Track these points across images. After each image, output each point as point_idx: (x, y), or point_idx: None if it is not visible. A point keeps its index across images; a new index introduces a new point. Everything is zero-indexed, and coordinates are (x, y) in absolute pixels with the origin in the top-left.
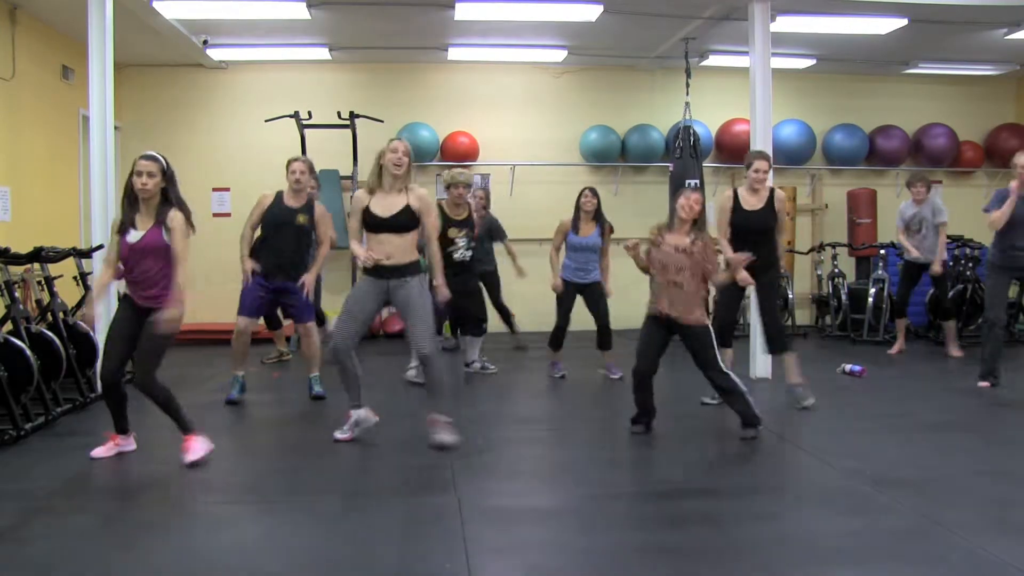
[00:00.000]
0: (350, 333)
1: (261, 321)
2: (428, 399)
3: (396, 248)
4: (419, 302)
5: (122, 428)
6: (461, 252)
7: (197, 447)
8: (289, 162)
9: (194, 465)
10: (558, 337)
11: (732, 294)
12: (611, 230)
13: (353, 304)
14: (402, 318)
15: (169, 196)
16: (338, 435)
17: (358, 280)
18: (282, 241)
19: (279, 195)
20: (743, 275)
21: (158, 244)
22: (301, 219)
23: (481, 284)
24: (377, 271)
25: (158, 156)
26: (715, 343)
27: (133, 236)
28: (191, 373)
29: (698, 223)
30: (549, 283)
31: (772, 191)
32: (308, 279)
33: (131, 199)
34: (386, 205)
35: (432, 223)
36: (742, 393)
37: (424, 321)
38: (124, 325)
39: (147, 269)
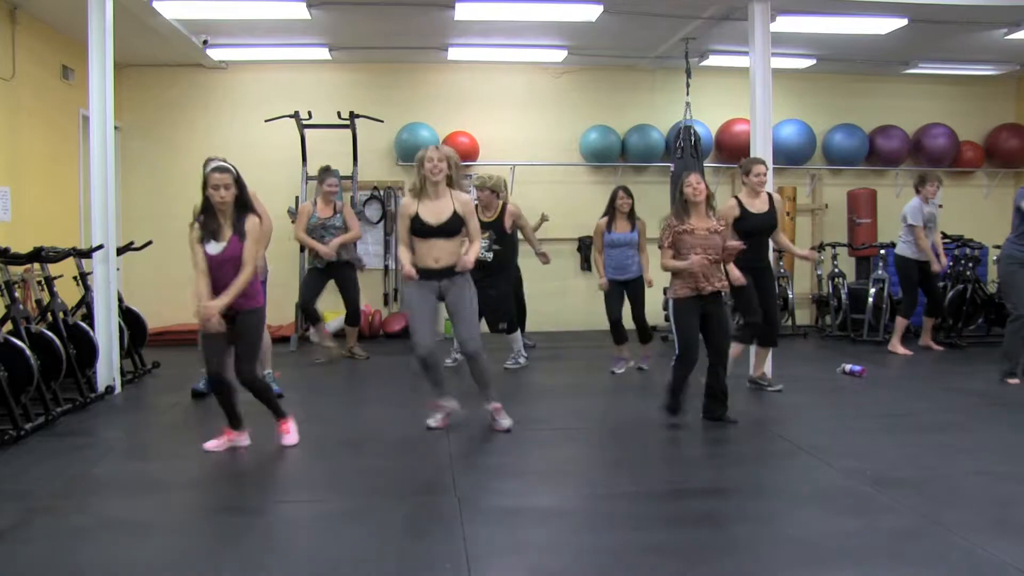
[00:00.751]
0: (428, 336)
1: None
2: (480, 391)
3: (444, 252)
4: (466, 303)
5: (236, 423)
6: (482, 253)
7: (292, 430)
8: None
9: (291, 447)
10: (617, 331)
11: (749, 292)
12: (643, 226)
13: (418, 309)
14: (450, 316)
15: (243, 202)
16: (431, 423)
17: (407, 288)
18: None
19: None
20: (736, 274)
21: (239, 254)
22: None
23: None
24: (427, 274)
25: (229, 166)
26: None
27: (214, 248)
28: (194, 373)
29: (709, 202)
30: (597, 283)
31: (770, 194)
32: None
33: (208, 212)
34: (435, 212)
35: (474, 227)
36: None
37: (468, 321)
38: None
39: (233, 275)
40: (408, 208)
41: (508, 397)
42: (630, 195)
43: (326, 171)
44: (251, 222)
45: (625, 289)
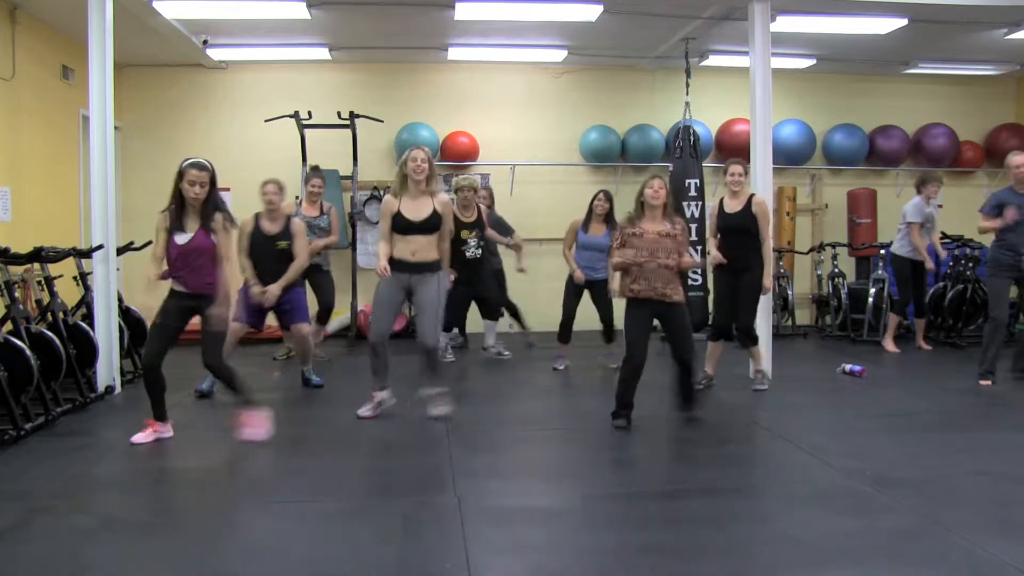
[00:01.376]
0: (384, 325)
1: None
2: (428, 379)
3: (421, 246)
4: (433, 299)
5: (160, 415)
6: (472, 251)
7: (256, 423)
8: (262, 184)
9: (248, 441)
10: (566, 330)
11: (727, 295)
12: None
13: (383, 300)
14: (415, 310)
15: (213, 200)
16: (362, 412)
17: (381, 282)
18: (264, 266)
19: (256, 218)
20: (715, 254)
21: (205, 244)
22: (282, 245)
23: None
24: (401, 266)
25: (207, 164)
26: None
27: (182, 238)
28: (198, 373)
29: (667, 208)
30: (568, 276)
31: (751, 196)
32: (273, 289)
33: (179, 204)
34: (415, 209)
35: (449, 226)
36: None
37: (431, 316)
38: (172, 316)
39: (201, 264)
40: (390, 206)
41: (508, 397)
42: (609, 199)
43: (314, 171)
44: (219, 220)
45: (589, 290)
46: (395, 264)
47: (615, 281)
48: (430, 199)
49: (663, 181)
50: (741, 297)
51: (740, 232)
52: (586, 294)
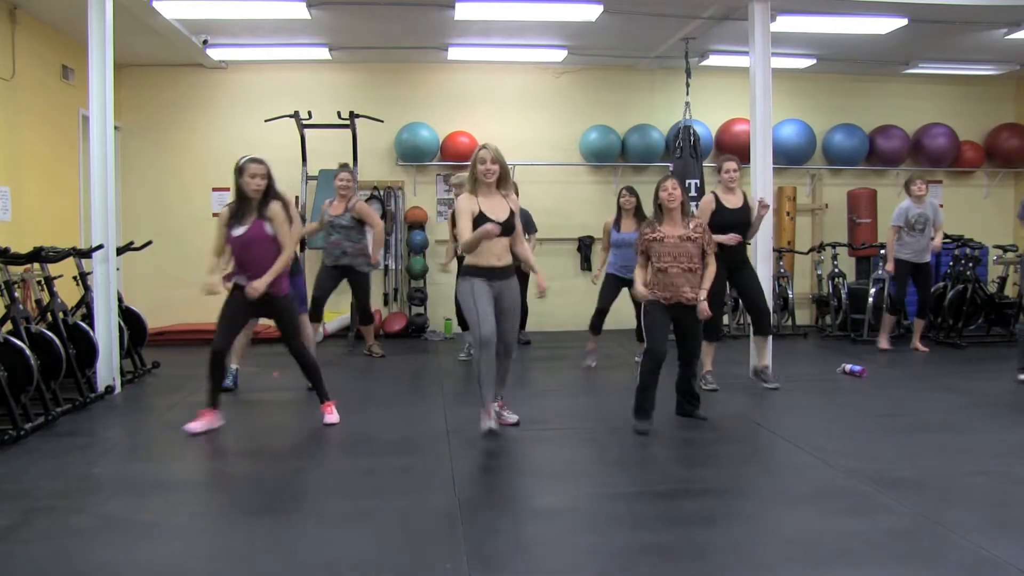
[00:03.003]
0: (493, 329)
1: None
2: (498, 384)
3: (503, 250)
4: (517, 304)
5: (215, 403)
6: None
7: (333, 413)
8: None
9: (329, 425)
10: (598, 322)
11: (717, 289)
12: None
13: (483, 304)
14: (500, 314)
15: (269, 193)
16: (488, 425)
17: (466, 282)
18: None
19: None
20: (724, 237)
21: (261, 235)
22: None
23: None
24: (488, 273)
25: (263, 160)
26: None
27: (238, 230)
28: (198, 373)
29: (685, 208)
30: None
31: (744, 192)
32: (257, 285)
33: (241, 198)
34: (494, 210)
35: (520, 228)
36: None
37: (515, 321)
38: (235, 307)
39: (256, 255)
40: (471, 203)
41: (508, 397)
42: (634, 193)
43: (342, 167)
44: (274, 208)
45: (628, 288)
46: (482, 271)
47: (639, 284)
48: (505, 200)
49: (676, 181)
50: (753, 286)
51: (743, 227)
52: (623, 292)
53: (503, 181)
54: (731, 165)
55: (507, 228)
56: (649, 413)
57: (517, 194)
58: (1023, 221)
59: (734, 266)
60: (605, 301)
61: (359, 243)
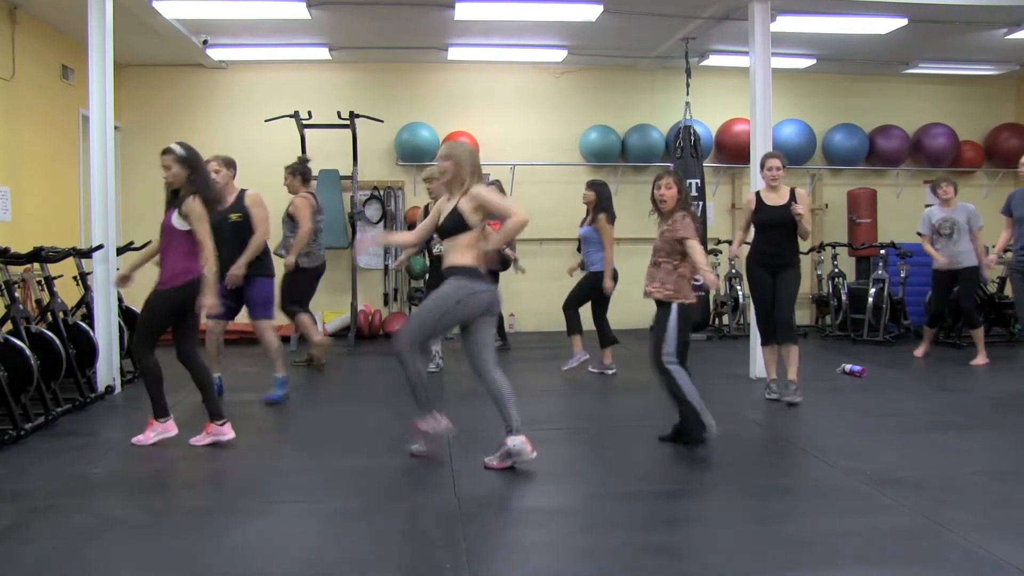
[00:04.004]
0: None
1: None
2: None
3: (449, 250)
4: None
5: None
6: (438, 247)
7: (149, 433)
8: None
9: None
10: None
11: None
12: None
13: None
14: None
15: (192, 184)
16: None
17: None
18: (220, 244)
19: None
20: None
21: (169, 225)
22: (234, 217)
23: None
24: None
25: (174, 148)
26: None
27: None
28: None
29: (677, 205)
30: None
31: (793, 190)
32: (233, 272)
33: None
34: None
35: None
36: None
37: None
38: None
39: (164, 244)
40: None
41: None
42: (590, 187)
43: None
44: (188, 204)
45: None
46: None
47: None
48: (452, 201)
49: (671, 179)
50: (781, 294)
51: (784, 225)
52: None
53: (454, 182)
54: (774, 162)
55: (440, 230)
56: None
57: (502, 190)
58: (1006, 216)
59: (776, 269)
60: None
61: (289, 240)
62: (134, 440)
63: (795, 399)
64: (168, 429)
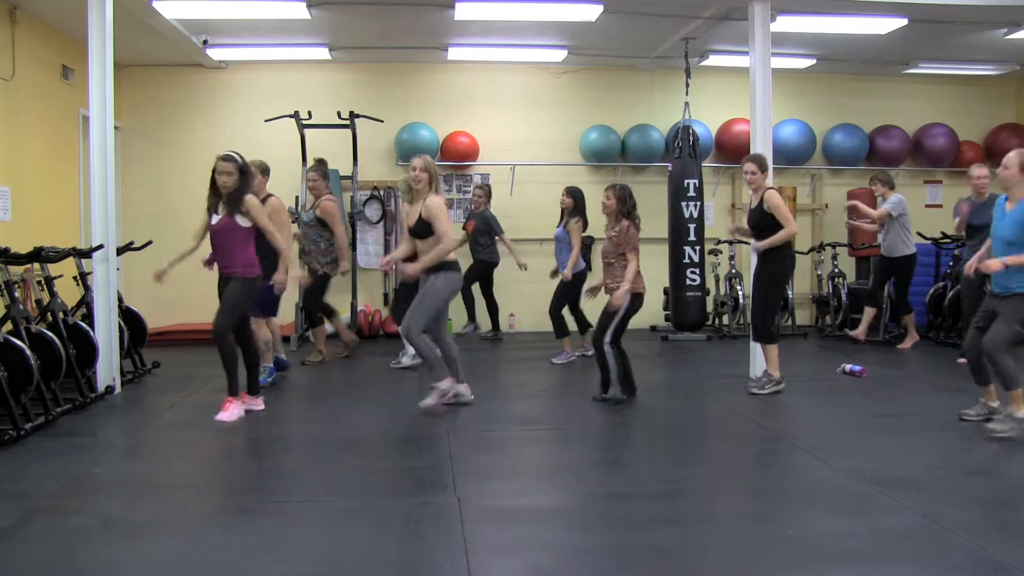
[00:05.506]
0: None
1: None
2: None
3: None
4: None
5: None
6: None
7: (232, 410)
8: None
9: (221, 424)
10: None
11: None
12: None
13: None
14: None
15: (242, 188)
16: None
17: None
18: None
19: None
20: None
21: (229, 228)
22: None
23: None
24: None
25: (235, 156)
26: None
27: (213, 219)
28: (198, 373)
29: (617, 214)
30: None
31: (765, 193)
32: (278, 278)
33: (214, 190)
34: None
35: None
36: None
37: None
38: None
39: (223, 244)
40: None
41: (508, 397)
42: (567, 194)
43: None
44: (247, 202)
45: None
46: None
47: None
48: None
49: (611, 192)
50: (756, 290)
51: (755, 228)
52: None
53: (423, 190)
54: (749, 167)
55: (413, 233)
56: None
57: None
58: (956, 219)
59: (757, 265)
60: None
61: (319, 245)
62: (217, 418)
63: (761, 390)
64: (255, 404)
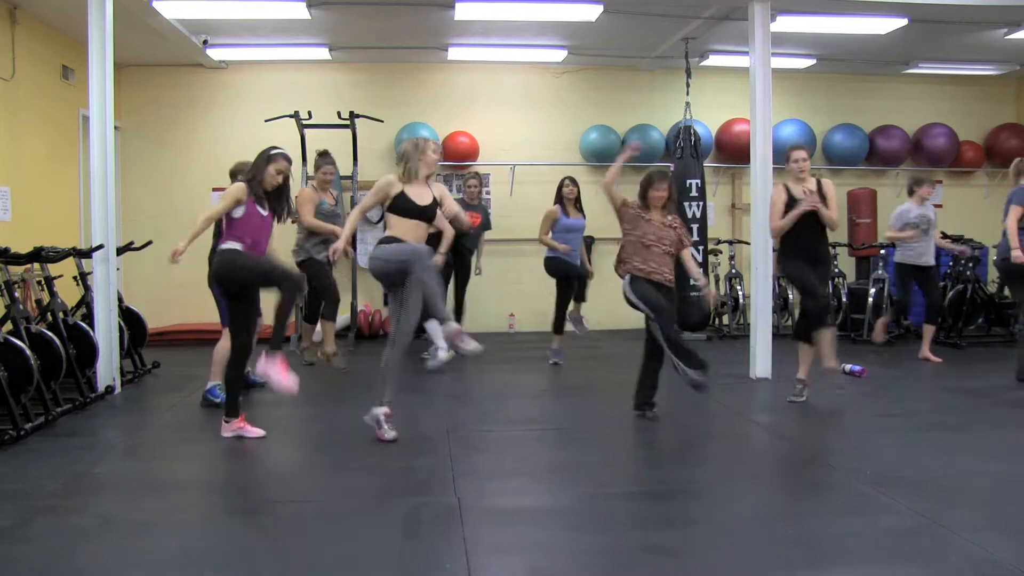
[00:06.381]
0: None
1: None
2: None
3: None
4: None
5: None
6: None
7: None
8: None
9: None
10: (560, 321)
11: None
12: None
13: None
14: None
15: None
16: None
17: None
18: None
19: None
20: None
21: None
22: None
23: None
24: None
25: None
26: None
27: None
28: (198, 373)
29: (669, 203)
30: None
31: (819, 180)
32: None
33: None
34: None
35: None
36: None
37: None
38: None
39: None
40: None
41: (507, 397)
42: (576, 184)
43: (323, 156)
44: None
45: (573, 274)
46: None
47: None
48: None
49: (665, 183)
50: (822, 280)
51: (814, 218)
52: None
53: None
54: (799, 154)
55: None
56: (648, 404)
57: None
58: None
59: (815, 263)
60: (565, 298)
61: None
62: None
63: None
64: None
